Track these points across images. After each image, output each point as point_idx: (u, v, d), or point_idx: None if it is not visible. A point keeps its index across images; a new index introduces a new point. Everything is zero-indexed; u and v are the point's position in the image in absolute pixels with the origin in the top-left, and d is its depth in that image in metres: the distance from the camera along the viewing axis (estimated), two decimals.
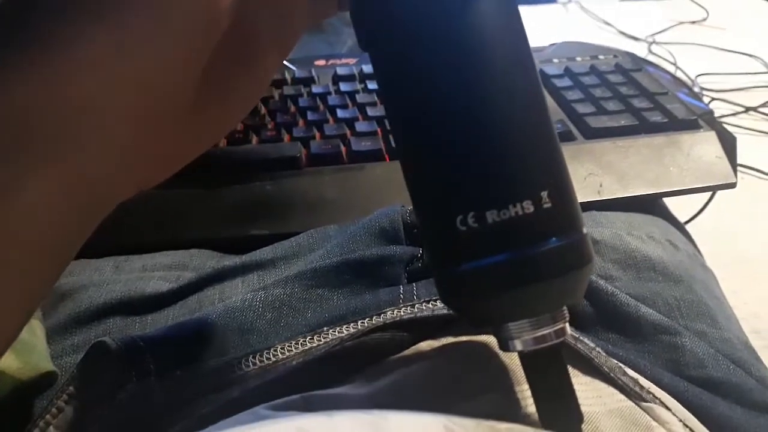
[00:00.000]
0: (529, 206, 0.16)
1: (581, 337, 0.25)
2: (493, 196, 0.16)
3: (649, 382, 0.25)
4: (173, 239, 0.33)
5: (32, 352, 0.28)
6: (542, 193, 0.16)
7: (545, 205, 0.16)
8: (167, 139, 0.18)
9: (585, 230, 0.18)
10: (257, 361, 0.24)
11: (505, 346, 0.18)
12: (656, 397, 0.24)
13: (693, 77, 0.89)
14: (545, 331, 0.17)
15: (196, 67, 0.17)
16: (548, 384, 0.18)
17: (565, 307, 0.18)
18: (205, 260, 0.32)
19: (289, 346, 0.24)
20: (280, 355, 0.24)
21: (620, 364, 0.25)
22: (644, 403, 0.23)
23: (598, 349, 0.25)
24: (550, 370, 0.18)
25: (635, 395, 0.23)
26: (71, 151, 0.15)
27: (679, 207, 0.43)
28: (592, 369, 0.24)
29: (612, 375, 0.24)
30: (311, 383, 0.22)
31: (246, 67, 0.19)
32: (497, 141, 0.17)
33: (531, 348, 0.17)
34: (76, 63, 0.15)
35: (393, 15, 0.17)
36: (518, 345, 0.17)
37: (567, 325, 0.18)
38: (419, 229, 0.19)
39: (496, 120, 0.17)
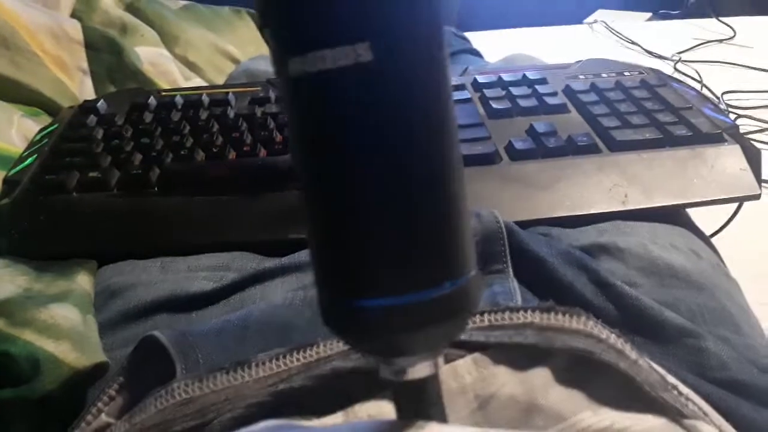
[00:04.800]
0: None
1: (626, 351, 0.24)
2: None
3: (687, 389, 0.24)
4: (217, 242, 0.35)
5: (87, 343, 0.30)
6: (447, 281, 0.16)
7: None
8: None
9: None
10: (301, 357, 0.24)
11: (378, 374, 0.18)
12: (695, 403, 0.23)
13: (719, 95, 0.89)
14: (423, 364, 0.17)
15: None
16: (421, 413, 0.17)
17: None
18: (247, 262, 0.34)
19: (330, 343, 0.24)
20: (322, 352, 0.24)
21: (662, 375, 0.24)
22: (686, 421, 0.22)
23: (640, 362, 0.23)
24: (422, 400, 0.17)
25: (676, 412, 0.22)
26: None
27: (705, 220, 0.44)
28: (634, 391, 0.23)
29: (653, 394, 0.23)
30: (351, 389, 0.22)
31: None
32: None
33: (403, 379, 0.17)
34: None
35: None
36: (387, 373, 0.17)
37: (441, 359, 0.18)
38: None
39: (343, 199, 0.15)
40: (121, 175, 0.36)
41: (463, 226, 0.16)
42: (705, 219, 0.43)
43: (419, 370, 0.17)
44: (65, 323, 0.30)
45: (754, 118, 0.83)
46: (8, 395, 0.28)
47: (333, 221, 0.16)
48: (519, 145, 0.39)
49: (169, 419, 0.23)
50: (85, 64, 0.48)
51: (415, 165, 0.15)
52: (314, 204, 0.16)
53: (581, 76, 0.48)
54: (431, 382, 0.17)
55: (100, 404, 0.25)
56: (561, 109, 0.44)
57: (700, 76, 0.94)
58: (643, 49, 1.07)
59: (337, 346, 0.25)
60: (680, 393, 0.24)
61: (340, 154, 0.15)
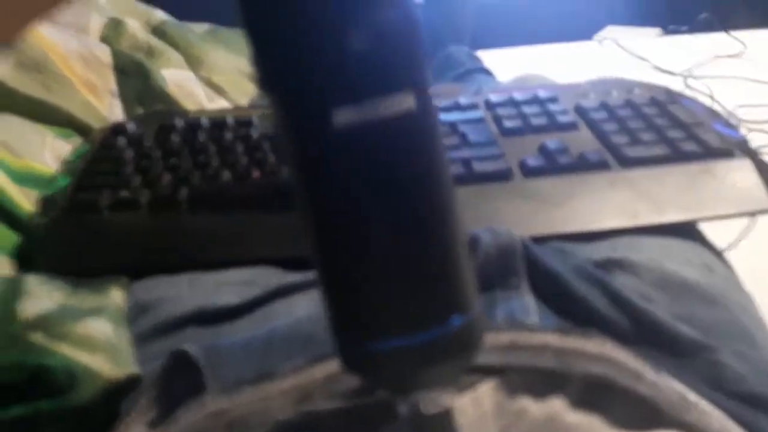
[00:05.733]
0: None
1: (645, 373, 0.24)
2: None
3: (709, 406, 0.24)
4: (243, 259, 0.36)
5: (121, 355, 0.31)
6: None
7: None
8: None
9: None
10: (323, 369, 0.25)
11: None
12: (718, 420, 0.23)
13: (731, 109, 0.90)
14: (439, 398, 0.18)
15: None
16: None
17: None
18: (271, 277, 0.35)
19: None
20: None
21: (683, 393, 0.24)
22: None
23: (660, 382, 0.24)
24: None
25: (699, 431, 0.23)
26: None
27: (718, 234, 0.44)
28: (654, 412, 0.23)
29: (674, 414, 0.23)
30: (372, 411, 0.23)
31: None
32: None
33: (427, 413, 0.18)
34: None
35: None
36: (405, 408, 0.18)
37: (456, 389, 0.18)
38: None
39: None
40: (151, 195, 0.38)
41: (464, 264, 0.17)
42: (718, 233, 0.43)
43: (435, 403, 0.17)
44: (100, 336, 0.31)
45: (767, 132, 0.84)
46: (46, 407, 0.29)
47: (341, 269, 0.17)
48: (531, 162, 0.40)
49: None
50: (114, 87, 0.50)
51: (427, 209, 0.16)
52: (324, 254, 0.17)
53: (592, 95, 0.49)
54: (447, 414, 0.18)
55: (132, 415, 0.26)
56: (572, 126, 0.45)
57: (711, 91, 0.95)
58: (653, 65, 1.08)
59: None
60: (703, 410, 0.24)
61: (374, 202, 0.15)
